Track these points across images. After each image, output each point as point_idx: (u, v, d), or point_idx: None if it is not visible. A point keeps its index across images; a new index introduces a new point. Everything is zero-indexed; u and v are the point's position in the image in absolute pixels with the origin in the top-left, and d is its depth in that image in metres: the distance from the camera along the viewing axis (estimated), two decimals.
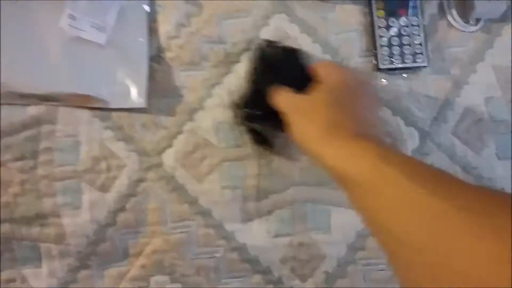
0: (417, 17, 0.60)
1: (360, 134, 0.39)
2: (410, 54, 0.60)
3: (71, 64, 0.57)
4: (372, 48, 0.60)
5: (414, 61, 0.59)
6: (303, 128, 0.43)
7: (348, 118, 0.42)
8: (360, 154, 0.37)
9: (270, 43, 0.55)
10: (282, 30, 0.61)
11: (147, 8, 0.60)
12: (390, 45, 0.60)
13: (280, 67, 0.52)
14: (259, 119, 0.52)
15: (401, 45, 0.60)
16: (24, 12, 0.58)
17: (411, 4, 0.60)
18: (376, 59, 0.59)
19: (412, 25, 0.60)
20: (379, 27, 0.60)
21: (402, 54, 0.59)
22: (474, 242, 0.26)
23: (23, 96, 0.56)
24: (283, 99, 0.46)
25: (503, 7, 0.60)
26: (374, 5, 0.60)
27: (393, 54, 0.59)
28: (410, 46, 0.60)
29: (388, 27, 0.60)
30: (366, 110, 0.45)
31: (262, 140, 0.55)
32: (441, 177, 0.33)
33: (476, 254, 0.25)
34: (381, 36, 0.60)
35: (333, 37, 0.61)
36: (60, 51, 0.57)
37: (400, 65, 0.59)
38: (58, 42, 0.57)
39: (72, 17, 0.57)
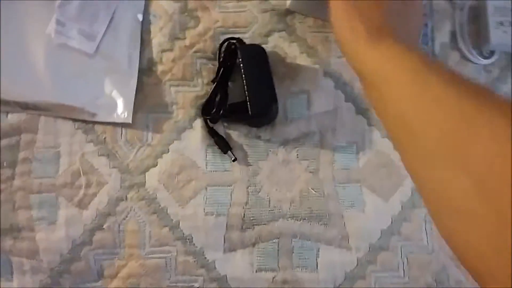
0: (427, 45, 0.56)
1: (402, 40, 0.39)
2: None
3: (56, 72, 0.54)
4: None
5: None
6: (352, 27, 0.41)
7: (394, 24, 0.40)
8: (403, 60, 0.36)
9: (236, 41, 0.56)
10: (281, 49, 0.58)
11: (140, 17, 0.57)
12: None
13: (245, 63, 0.53)
14: (224, 116, 0.54)
15: None
16: (11, 14, 0.55)
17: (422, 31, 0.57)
18: None
19: None
20: None
21: None
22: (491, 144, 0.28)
23: (4, 102, 0.53)
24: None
25: None
26: None
27: None
28: None
29: None
30: (411, 18, 0.43)
31: (227, 147, 0.55)
32: (481, 92, 0.32)
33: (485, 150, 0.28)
34: None
35: (335, 60, 0.58)
36: (45, 58, 0.54)
37: None
38: (44, 49, 0.55)
39: (60, 23, 0.55)
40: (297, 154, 0.56)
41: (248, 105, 0.52)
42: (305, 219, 0.54)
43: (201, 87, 0.56)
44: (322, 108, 0.57)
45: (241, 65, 0.53)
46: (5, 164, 0.52)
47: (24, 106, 0.53)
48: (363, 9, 0.41)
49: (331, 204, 0.55)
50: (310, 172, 0.55)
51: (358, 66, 0.40)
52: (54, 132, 0.53)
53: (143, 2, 0.58)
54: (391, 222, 0.55)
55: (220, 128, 0.55)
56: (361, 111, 0.57)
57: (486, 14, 0.57)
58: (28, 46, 0.54)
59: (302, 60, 0.58)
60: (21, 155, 0.53)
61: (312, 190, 0.55)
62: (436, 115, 0.31)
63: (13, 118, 0.54)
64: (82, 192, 0.53)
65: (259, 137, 0.56)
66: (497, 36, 0.56)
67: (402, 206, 0.55)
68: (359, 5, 0.41)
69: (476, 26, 0.59)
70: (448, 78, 0.33)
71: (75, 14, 0.55)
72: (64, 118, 0.54)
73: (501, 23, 0.57)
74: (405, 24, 0.42)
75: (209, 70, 0.57)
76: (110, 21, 0.56)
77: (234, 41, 0.56)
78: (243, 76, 0.53)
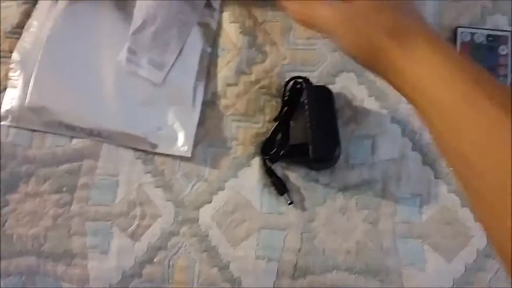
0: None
1: (427, 35, 0.35)
2: None
3: (123, 100, 0.55)
4: None
5: None
6: (361, 38, 0.36)
7: (408, 20, 0.36)
8: (444, 69, 0.33)
9: (303, 80, 0.54)
10: (348, 90, 0.56)
11: (209, 49, 0.57)
12: None
13: (310, 104, 0.52)
14: (284, 157, 0.52)
15: None
16: (87, 38, 0.56)
17: (502, 82, 0.53)
18: None
19: None
20: None
21: None
22: None
23: (69, 127, 0.54)
24: (325, 10, 0.38)
25: None
26: None
27: None
28: None
29: None
30: (411, 8, 0.38)
31: (284, 189, 0.53)
32: None
33: None
34: None
35: (404, 105, 0.55)
36: (114, 85, 0.55)
37: None
38: (113, 76, 0.55)
39: (132, 51, 0.55)
40: (357, 202, 0.53)
41: (310, 148, 0.50)
42: (360, 273, 0.51)
43: (262, 124, 0.55)
44: (387, 155, 0.54)
45: (306, 105, 0.52)
46: (64, 189, 0.53)
47: (89, 133, 0.54)
48: (367, 16, 0.36)
49: (390, 259, 0.51)
50: (369, 223, 0.53)
51: (390, 70, 0.36)
52: (114, 160, 0.54)
53: (213, 35, 0.57)
54: (453, 284, 0.51)
55: (278, 168, 0.54)
56: (429, 161, 0.54)
57: None
58: (98, 72, 0.55)
59: (370, 103, 0.56)
60: (81, 180, 0.53)
61: (370, 242, 0.52)
62: (504, 156, 0.28)
63: (77, 143, 0.55)
64: (136, 223, 0.53)
65: (317, 181, 0.54)
66: None
67: (466, 268, 0.51)
68: (361, 13, 0.37)
69: None
70: (499, 99, 0.30)
71: (147, 43, 0.55)
72: (126, 147, 0.54)
73: None
74: (409, 10, 0.37)
75: (272, 107, 0.56)
76: (180, 52, 0.56)
77: (301, 79, 0.54)
78: (308, 117, 0.51)
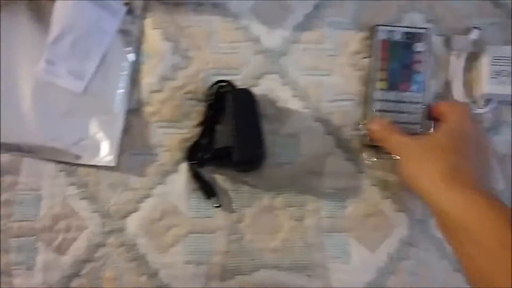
0: (422, 93, 0.55)
1: (480, 187, 0.40)
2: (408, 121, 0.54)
3: (42, 112, 0.54)
4: (363, 120, 0.55)
5: None
6: (421, 171, 0.43)
7: (470, 168, 0.42)
8: (484, 211, 0.38)
9: (227, 84, 0.55)
10: (272, 92, 0.57)
11: (131, 57, 0.57)
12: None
13: (233, 107, 0.52)
14: (210, 161, 0.53)
15: (398, 123, 0.53)
16: (1, 51, 0.55)
17: (417, 78, 0.55)
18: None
19: (414, 102, 0.55)
20: (377, 100, 0.55)
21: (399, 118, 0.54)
22: None
23: None
24: (396, 139, 0.48)
25: None
26: (376, 75, 0.55)
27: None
28: (407, 125, 0.54)
29: (387, 101, 0.55)
30: (484, 162, 0.45)
31: (212, 193, 0.54)
32: None
33: None
34: (376, 110, 0.55)
35: (326, 104, 0.56)
36: (32, 97, 0.54)
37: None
38: (31, 87, 0.54)
39: (50, 62, 0.54)
40: (283, 201, 0.54)
41: (233, 152, 0.51)
42: (287, 269, 0.53)
43: (189, 130, 0.56)
44: (311, 153, 0.56)
45: (229, 109, 0.52)
46: None
47: (8, 148, 0.53)
48: (436, 152, 0.43)
49: (316, 254, 0.53)
50: (296, 220, 0.54)
51: (434, 207, 0.42)
52: (36, 175, 0.53)
53: (135, 41, 0.57)
54: (377, 275, 0.53)
55: (206, 172, 0.54)
56: (351, 157, 0.55)
57: (483, 63, 0.56)
58: (15, 85, 0.54)
59: (293, 103, 0.57)
60: (3, 197, 0.52)
61: (296, 239, 0.53)
62: None
63: None
64: (61, 236, 0.52)
65: (245, 182, 0.55)
66: (493, 85, 0.55)
67: (389, 258, 0.53)
68: (431, 148, 0.44)
69: (472, 74, 0.57)
70: None
71: (66, 52, 0.54)
72: (48, 160, 0.53)
73: (499, 73, 0.55)
74: (479, 168, 0.43)
75: (198, 112, 0.56)
76: (101, 61, 0.56)
77: (224, 83, 0.55)
78: (231, 120, 0.52)
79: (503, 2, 0.59)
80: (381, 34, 0.56)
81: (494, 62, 0.55)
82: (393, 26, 0.56)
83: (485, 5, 0.59)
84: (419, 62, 0.55)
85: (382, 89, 0.55)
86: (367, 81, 0.56)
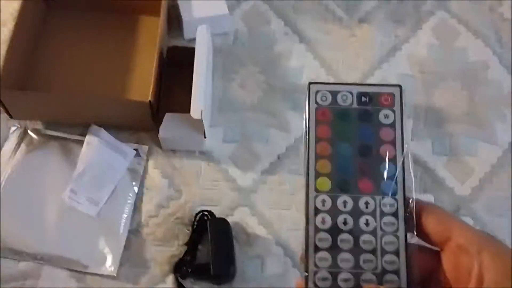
0: (395, 198, 0.32)
1: None
2: (376, 270, 0.31)
3: (63, 230, 0.69)
4: (306, 248, 0.33)
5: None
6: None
7: None
8: None
9: (208, 213, 0.71)
10: (243, 220, 0.74)
11: (136, 189, 0.74)
12: (333, 247, 0.32)
13: (212, 232, 0.68)
14: (192, 274, 0.66)
15: (356, 251, 0.32)
16: (37, 180, 0.72)
17: (385, 170, 0.33)
18: (306, 280, 0.32)
19: (384, 213, 0.32)
20: (317, 211, 0.33)
21: (356, 273, 0.31)
22: None
23: (17, 252, 0.67)
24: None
25: None
26: (310, 168, 0.33)
27: (340, 269, 0.31)
28: (375, 255, 0.32)
29: (334, 212, 0.32)
30: None
31: None
32: None
33: None
34: (317, 230, 0.32)
35: (285, 232, 0.73)
36: (57, 217, 0.70)
37: None
38: (57, 209, 0.70)
39: (73, 191, 0.71)
40: None
41: (211, 267, 0.66)
42: None
43: (176, 248, 0.71)
44: (273, 271, 0.71)
45: (209, 233, 0.69)
46: None
47: (33, 257, 0.67)
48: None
49: None
50: None
51: None
52: (53, 280, 0.67)
53: (139, 177, 0.75)
54: None
55: (188, 284, 0.69)
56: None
57: None
58: (43, 206, 0.70)
59: (259, 230, 0.73)
60: None
61: None
62: None
63: (22, 265, 0.67)
64: None
65: None
66: None
67: None
68: None
69: None
70: None
71: (87, 184, 0.72)
72: (62, 268, 0.68)
73: None
74: None
75: (184, 234, 0.72)
76: (113, 191, 0.73)
77: (206, 213, 0.72)
78: (209, 242, 0.68)
79: (421, 160, 0.79)
80: (318, 98, 0.34)
81: None
82: (339, 84, 0.35)
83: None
84: (388, 142, 0.33)
85: (321, 192, 0.33)
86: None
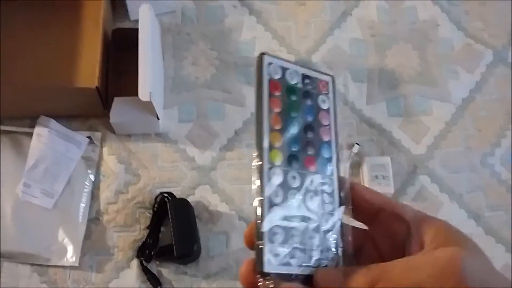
0: (331, 178, 0.33)
1: None
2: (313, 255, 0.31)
3: (20, 224, 0.69)
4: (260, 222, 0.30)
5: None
6: None
7: None
8: None
9: (168, 195, 0.72)
10: (205, 199, 0.74)
11: (92, 177, 0.74)
12: (285, 223, 0.31)
13: (172, 213, 0.69)
14: (156, 257, 0.68)
15: (303, 227, 0.31)
16: None
17: (324, 151, 0.34)
18: (260, 254, 0.30)
19: (324, 192, 0.33)
20: (272, 183, 0.31)
21: (305, 250, 0.31)
22: None
23: None
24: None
25: None
26: (263, 139, 0.31)
27: (290, 248, 0.30)
28: (318, 232, 0.32)
29: (285, 187, 0.31)
30: None
31: (158, 283, 0.68)
32: None
33: None
34: (271, 203, 0.31)
35: (247, 207, 0.74)
36: (12, 213, 0.69)
37: (297, 272, 0.30)
38: (11, 205, 0.70)
39: (27, 185, 0.71)
40: (218, 286, 0.69)
41: (174, 248, 0.67)
42: None
43: (138, 232, 0.72)
44: (238, 246, 0.72)
45: (170, 215, 0.69)
46: None
47: None
48: None
49: None
50: None
51: None
52: (14, 276, 0.67)
53: (95, 165, 0.75)
54: None
55: (153, 266, 0.70)
56: None
57: (364, 171, 0.76)
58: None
59: (222, 207, 0.74)
60: None
61: None
62: None
63: None
64: None
65: (185, 273, 0.70)
66: (373, 188, 0.74)
67: None
68: None
69: (356, 179, 0.77)
70: None
71: (40, 177, 0.71)
72: (24, 263, 0.67)
73: (377, 177, 0.75)
74: None
75: (146, 217, 0.73)
76: (68, 181, 0.73)
77: (166, 194, 0.73)
78: (171, 224, 0.68)
79: (376, 123, 0.80)
80: (271, 69, 0.34)
81: (371, 169, 0.76)
82: (288, 61, 0.34)
83: (362, 126, 0.81)
84: (325, 125, 0.34)
85: (273, 165, 0.31)
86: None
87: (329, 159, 0.34)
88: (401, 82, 0.83)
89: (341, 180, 0.34)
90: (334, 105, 0.35)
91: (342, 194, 0.34)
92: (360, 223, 0.34)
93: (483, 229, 0.74)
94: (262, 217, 0.30)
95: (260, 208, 0.30)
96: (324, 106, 0.35)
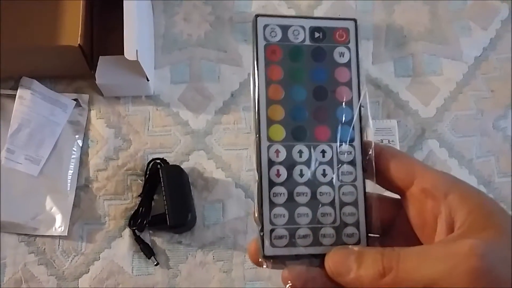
0: (352, 145, 0.31)
1: None
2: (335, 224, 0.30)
3: (5, 194, 0.68)
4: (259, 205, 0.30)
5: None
6: None
7: None
8: None
9: (160, 161, 0.71)
10: (200, 165, 0.74)
11: (80, 142, 0.73)
12: (289, 202, 0.30)
13: (165, 181, 0.68)
14: (149, 226, 0.68)
15: (313, 204, 0.30)
16: None
17: (343, 115, 0.31)
18: (260, 239, 0.30)
19: (342, 161, 0.31)
20: (272, 162, 0.30)
21: (315, 228, 0.30)
22: None
23: None
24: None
25: None
26: (261, 114, 0.30)
27: (297, 225, 0.30)
28: (333, 207, 0.30)
29: (289, 164, 0.30)
30: None
31: (151, 253, 0.68)
32: None
33: None
34: (272, 184, 0.30)
35: (244, 173, 0.74)
36: None
37: (305, 252, 0.30)
38: None
39: (10, 151, 0.70)
40: (213, 256, 0.70)
41: (167, 217, 0.67)
42: None
43: (130, 200, 0.71)
44: (234, 214, 0.72)
45: (163, 182, 0.69)
46: None
47: None
48: None
49: None
50: (224, 272, 0.69)
51: None
52: (1, 245, 0.67)
53: (83, 130, 0.73)
54: None
55: (146, 236, 0.69)
56: None
57: (369, 134, 0.75)
58: None
59: (218, 174, 0.74)
60: None
61: None
62: None
63: None
64: None
65: (180, 242, 0.70)
66: None
67: None
68: None
69: None
70: None
71: (24, 142, 0.70)
72: (10, 233, 0.67)
73: (379, 141, 0.74)
74: None
75: (138, 185, 0.72)
76: (54, 146, 0.72)
77: (159, 161, 0.72)
78: (163, 192, 0.68)
79: (382, 83, 0.79)
80: (267, 32, 0.31)
81: (376, 132, 0.74)
82: (291, 17, 0.34)
83: (368, 87, 0.79)
84: (346, 83, 0.31)
85: (274, 142, 0.30)
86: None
87: (349, 123, 0.31)
88: (409, 39, 0.80)
89: (364, 145, 0.31)
90: (357, 57, 0.32)
91: (365, 162, 0.31)
92: (391, 192, 0.31)
93: (494, 195, 0.74)
94: (261, 200, 0.30)
95: (260, 191, 0.30)
96: (343, 60, 0.32)
